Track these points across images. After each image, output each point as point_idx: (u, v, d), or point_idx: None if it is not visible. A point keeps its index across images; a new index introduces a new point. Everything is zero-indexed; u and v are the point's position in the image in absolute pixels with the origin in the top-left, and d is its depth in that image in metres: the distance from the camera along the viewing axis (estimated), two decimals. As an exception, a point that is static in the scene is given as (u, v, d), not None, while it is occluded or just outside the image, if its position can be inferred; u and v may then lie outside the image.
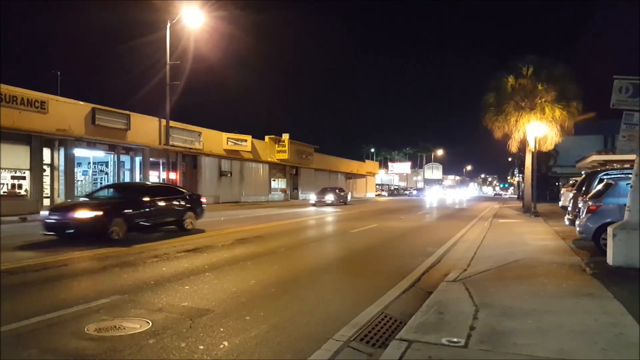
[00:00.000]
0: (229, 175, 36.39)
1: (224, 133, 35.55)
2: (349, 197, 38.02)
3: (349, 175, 62.16)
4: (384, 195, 71.59)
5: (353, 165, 63.25)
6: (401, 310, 5.67)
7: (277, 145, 42.07)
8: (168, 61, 27.56)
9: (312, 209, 28.94)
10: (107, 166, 26.41)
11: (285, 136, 42.25)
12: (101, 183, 26.27)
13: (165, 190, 14.73)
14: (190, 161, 32.46)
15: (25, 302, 5.71)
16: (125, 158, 27.32)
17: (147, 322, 4.83)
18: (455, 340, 4.09)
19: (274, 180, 43.95)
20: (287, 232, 14.64)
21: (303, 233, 14.95)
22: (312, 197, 34.82)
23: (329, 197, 33.56)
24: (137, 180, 27.85)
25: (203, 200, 15.33)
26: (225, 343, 4.28)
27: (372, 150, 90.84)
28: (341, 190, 37.96)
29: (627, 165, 18.84)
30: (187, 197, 14.39)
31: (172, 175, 29.79)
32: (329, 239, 13.59)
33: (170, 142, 28.44)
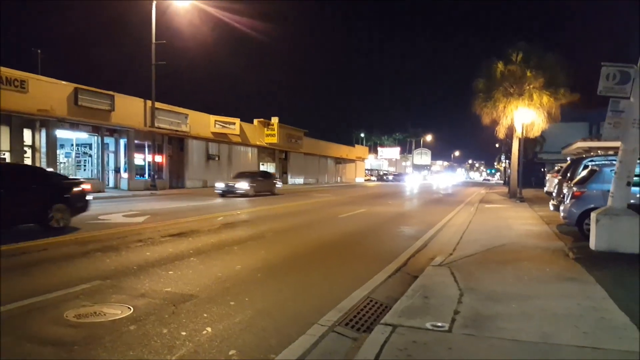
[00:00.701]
0: (217, 158, 36.06)
1: (211, 116, 35.07)
2: (279, 184, 29.06)
3: (339, 160, 62.02)
4: (373, 180, 71.68)
5: (343, 150, 63.03)
6: (387, 294, 5.68)
7: (266, 129, 41.66)
8: (154, 40, 26.97)
9: (220, 200, 21.33)
10: (90, 148, 25.98)
11: (275, 120, 41.83)
12: (85, 165, 25.89)
13: (16, 173, 10.74)
14: (177, 144, 32.03)
15: (4, 287, 5.55)
16: (109, 140, 26.87)
17: (129, 307, 4.75)
18: (439, 324, 4.09)
19: (263, 165, 43.65)
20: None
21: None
22: (219, 185, 24.67)
23: (242, 186, 23.84)
24: (122, 162, 27.48)
25: (85, 188, 11.58)
26: (209, 329, 4.22)
27: (362, 135, 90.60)
28: (265, 175, 28.74)
29: (611, 152, 19.08)
30: (57, 184, 10.86)
31: (158, 158, 29.40)
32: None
33: (156, 124, 27.99)
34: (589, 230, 8.60)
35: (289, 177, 47.72)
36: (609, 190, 8.28)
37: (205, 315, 4.60)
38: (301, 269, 7.07)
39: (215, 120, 35.20)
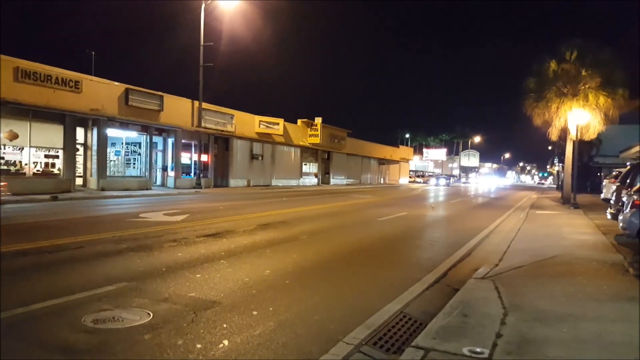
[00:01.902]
0: (261, 158, 36.33)
1: (256, 116, 35.39)
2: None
3: (382, 161, 61.13)
4: (419, 182, 69.98)
5: (386, 151, 62.08)
6: (423, 309, 5.27)
7: (309, 129, 41.65)
8: (202, 42, 27.47)
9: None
10: (139, 147, 26.75)
11: (318, 120, 41.75)
12: (134, 163, 26.71)
13: None
14: (222, 143, 32.52)
15: (31, 287, 5.54)
16: (157, 139, 27.59)
17: (148, 313, 4.59)
18: (478, 350, 3.65)
19: (306, 165, 43.66)
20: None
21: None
22: None
23: None
24: (170, 161, 28.15)
25: None
26: (226, 342, 3.97)
27: (407, 135, 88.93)
28: None
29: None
30: None
31: (204, 157, 29.91)
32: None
33: (203, 124, 28.49)
34: (653, 243, 7.82)
35: (331, 177, 47.51)
36: (677, 200, 7.48)
37: (224, 325, 4.36)
38: (333, 275, 6.75)
39: (260, 121, 35.49)
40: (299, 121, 41.34)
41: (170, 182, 27.91)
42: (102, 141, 23.55)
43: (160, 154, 28.26)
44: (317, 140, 41.61)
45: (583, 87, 23.03)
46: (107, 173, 23.90)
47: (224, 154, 32.71)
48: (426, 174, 79.27)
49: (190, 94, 28.59)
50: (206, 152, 30.35)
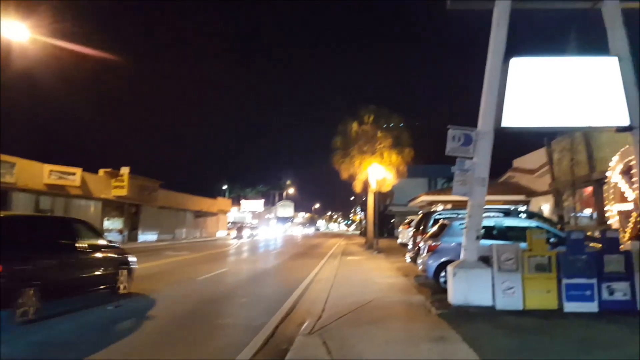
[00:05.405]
0: (50, 214, 31.35)
1: (46, 165, 30.54)
2: None
3: (199, 213, 59.07)
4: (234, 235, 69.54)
5: (204, 203, 60.30)
6: (256, 377, 4.95)
7: (113, 180, 37.66)
8: (-25, 79, 23.11)
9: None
10: None
11: (125, 170, 38.08)
12: None
13: None
14: (-2, 198, 27.11)
15: None
16: None
17: None
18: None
19: (109, 220, 39.13)
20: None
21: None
22: None
23: None
24: None
25: None
26: None
27: (225, 187, 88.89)
28: None
29: (448, 206, 21.36)
30: None
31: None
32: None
33: (-29, 175, 23.48)
34: (444, 282, 9.04)
35: (139, 233, 43.50)
36: (460, 243, 8.85)
37: None
38: (155, 350, 5.93)
39: (51, 170, 30.70)
40: (101, 171, 37.09)
41: None
42: None
43: None
44: (123, 192, 37.82)
45: (379, 146, 26.74)
46: None
47: (-1, 211, 27.28)
48: (245, 225, 79.66)
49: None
50: (-24, 208, 24.90)
